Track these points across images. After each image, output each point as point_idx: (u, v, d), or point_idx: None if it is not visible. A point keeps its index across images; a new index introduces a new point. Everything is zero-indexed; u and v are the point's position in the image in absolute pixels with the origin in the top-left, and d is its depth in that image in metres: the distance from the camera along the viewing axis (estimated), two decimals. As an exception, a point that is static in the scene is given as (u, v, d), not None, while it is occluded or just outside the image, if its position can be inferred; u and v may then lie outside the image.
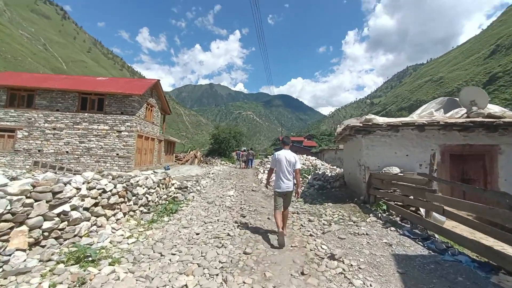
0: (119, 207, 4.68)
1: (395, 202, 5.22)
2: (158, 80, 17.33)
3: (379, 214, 5.19)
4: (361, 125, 6.30)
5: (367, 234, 4.23)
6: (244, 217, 5.40)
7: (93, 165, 13.98)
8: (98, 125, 14.23)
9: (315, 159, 18.85)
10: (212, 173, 15.17)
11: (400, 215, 4.93)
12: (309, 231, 4.49)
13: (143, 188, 5.48)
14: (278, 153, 4.18)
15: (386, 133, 6.50)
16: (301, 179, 10.17)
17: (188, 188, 7.66)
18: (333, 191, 8.28)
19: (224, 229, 4.44)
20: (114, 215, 4.54)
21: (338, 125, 8.21)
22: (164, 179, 6.60)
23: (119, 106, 14.36)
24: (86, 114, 14.18)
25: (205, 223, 4.84)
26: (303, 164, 13.26)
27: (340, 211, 5.89)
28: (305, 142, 61.38)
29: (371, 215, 5.28)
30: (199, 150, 30.89)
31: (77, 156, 14.10)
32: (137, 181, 5.32)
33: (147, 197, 5.62)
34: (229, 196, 7.70)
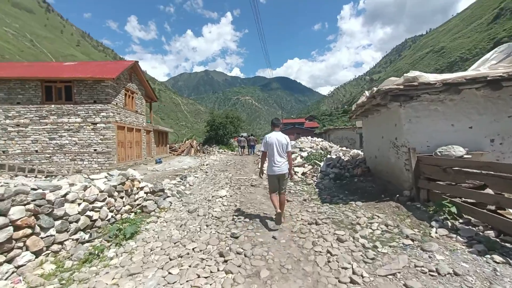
0: (21, 245, 2.78)
1: (476, 204, 3.28)
2: (136, 62, 15.02)
3: (448, 223, 3.28)
4: (401, 87, 4.24)
5: (455, 273, 2.32)
6: (236, 237, 3.52)
7: (68, 165, 12.11)
8: (69, 118, 12.19)
9: (322, 141, 16.88)
10: (207, 164, 13.29)
11: (490, 225, 3.01)
12: (346, 268, 2.59)
13: (78, 205, 3.57)
14: (268, 135, 4.07)
15: (437, 97, 4.45)
16: (311, 166, 8.28)
17: (165, 192, 5.74)
18: (356, 181, 6.35)
19: (199, 276, 2.55)
20: (9, 261, 2.64)
21: (363, 95, 6.15)
22: (123, 183, 4.66)
23: (90, 93, 12.23)
24: (52, 105, 12.09)
25: (170, 259, 2.93)
26: (310, 147, 11.30)
27: (378, 216, 3.99)
28: (307, 123, 59.12)
29: (433, 223, 3.37)
30: (195, 139, 28.93)
31: (48, 155, 12.19)
32: (64, 195, 3.38)
33: (89, 216, 3.72)
34: (221, 198, 5.81)
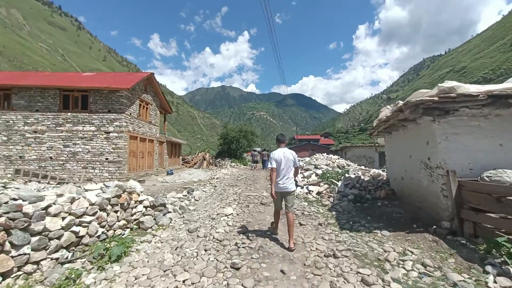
0: (-17, 266, 2.37)
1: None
2: (152, 73, 15.26)
3: (510, 269, 2.55)
4: (435, 99, 3.64)
5: None
6: (237, 268, 2.94)
7: (80, 172, 12.09)
8: (84, 126, 12.32)
9: (338, 158, 16.06)
10: (217, 178, 12.84)
11: None
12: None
13: (62, 219, 3.16)
14: (274, 152, 3.98)
15: (480, 112, 3.80)
16: (327, 186, 7.59)
17: (166, 207, 5.29)
18: (380, 205, 5.60)
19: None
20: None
21: (386, 108, 5.56)
22: (119, 196, 4.26)
23: (105, 103, 12.38)
24: (69, 114, 12.31)
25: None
26: (326, 165, 10.60)
27: (411, 252, 3.28)
28: (322, 140, 57.99)
29: (488, 267, 2.63)
30: (209, 151, 28.82)
31: (62, 162, 12.26)
32: (45, 208, 2.99)
33: (75, 232, 3.29)
34: (226, 216, 5.26)
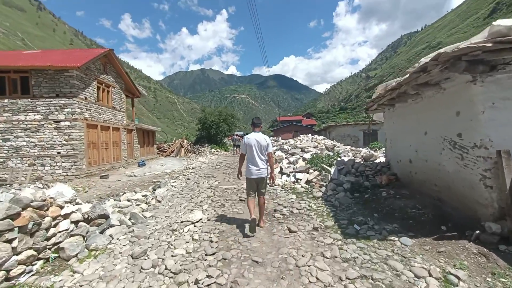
0: None
1: None
2: (111, 50, 13.00)
3: None
4: (488, 45, 2.41)
5: None
6: None
7: (25, 170, 10.16)
8: (26, 115, 10.22)
9: (324, 139, 15.12)
10: (192, 168, 11.42)
11: None
12: None
13: None
14: (247, 136, 3.81)
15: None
16: (317, 172, 6.48)
17: (109, 218, 3.87)
18: (385, 196, 4.52)
19: None
20: None
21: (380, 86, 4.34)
22: (16, 216, 2.78)
23: (51, 86, 10.26)
24: (6, 100, 10.10)
25: None
26: (313, 147, 9.49)
27: (457, 277, 2.19)
28: (304, 121, 57.39)
29: None
30: (187, 138, 27.01)
31: (2, 160, 10.22)
32: None
33: None
34: (193, 224, 3.96)
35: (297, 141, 13.26)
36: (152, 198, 5.48)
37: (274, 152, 9.80)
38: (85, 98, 11.19)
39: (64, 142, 10.40)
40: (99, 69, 12.52)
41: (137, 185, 9.03)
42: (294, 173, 6.90)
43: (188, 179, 8.48)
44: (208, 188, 6.60)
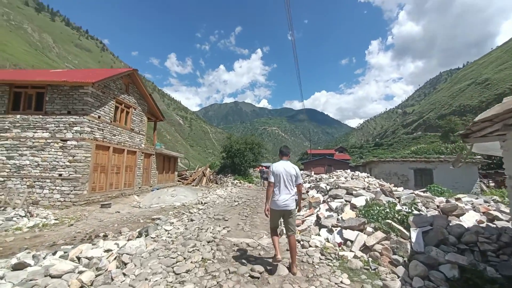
0: None
1: None
2: (135, 70, 12.46)
3: None
4: None
5: None
6: None
7: (23, 192, 9.06)
8: (35, 132, 9.46)
9: (368, 176, 12.32)
10: (204, 203, 9.44)
11: None
12: None
13: None
14: (275, 164, 3.58)
15: None
16: (383, 234, 4.05)
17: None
18: None
19: None
20: None
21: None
22: None
23: (64, 102, 9.54)
24: (18, 116, 9.52)
25: None
26: (364, 188, 6.96)
27: None
28: (337, 155, 53.56)
29: None
30: (211, 166, 25.61)
31: (2, 179, 9.33)
32: None
33: None
34: None
35: (336, 178, 10.72)
36: (115, 258, 3.46)
37: (307, 191, 7.50)
38: (99, 117, 10.29)
39: (68, 163, 9.27)
40: (120, 88, 11.86)
41: (132, 222, 7.22)
42: (340, 228, 4.50)
43: (192, 220, 6.42)
44: (209, 242, 4.43)
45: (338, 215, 5.16)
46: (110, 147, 11.06)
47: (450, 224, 3.91)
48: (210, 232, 5.07)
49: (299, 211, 3.63)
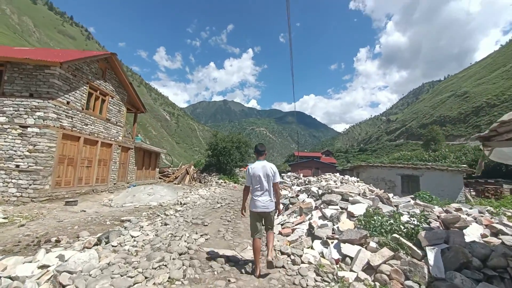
0: None
1: None
2: (113, 54, 11.34)
3: None
4: None
5: None
6: None
7: (-29, 185, 7.82)
8: (-11, 116, 8.23)
9: (357, 181, 11.90)
10: (184, 204, 8.58)
11: None
12: None
13: None
14: (252, 165, 3.45)
15: None
16: (390, 252, 3.41)
17: None
18: None
19: None
20: None
21: None
22: None
23: (27, 83, 8.35)
24: (-30, 97, 8.25)
25: None
26: (359, 194, 6.40)
27: None
28: (323, 158, 53.71)
29: None
30: (195, 164, 24.55)
31: None
32: None
33: None
34: None
35: (325, 182, 10.18)
36: (49, 279, 2.60)
37: (297, 195, 6.85)
38: (68, 102, 9.15)
39: (27, 153, 8.10)
40: (95, 73, 10.71)
41: (97, 224, 6.26)
42: (337, 241, 3.84)
43: (165, 224, 5.57)
44: (181, 255, 3.63)
45: (334, 225, 4.51)
46: (81, 137, 9.92)
47: (467, 241, 3.34)
48: (185, 241, 4.27)
49: (278, 213, 3.60)
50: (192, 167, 21.94)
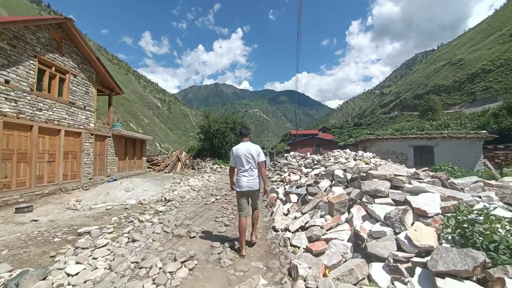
0: None
1: None
2: (68, 19, 8.94)
3: None
4: None
5: None
6: None
7: None
8: None
9: (374, 156, 10.24)
10: (168, 201, 6.80)
11: None
12: None
13: None
14: (236, 147, 3.61)
15: None
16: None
17: None
18: None
19: None
20: None
21: None
22: None
23: None
24: None
25: None
26: (408, 176, 4.70)
27: None
28: (321, 135, 52.16)
29: None
30: (189, 150, 22.65)
31: None
32: None
33: None
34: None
35: (334, 159, 8.49)
36: None
37: (315, 181, 5.11)
38: (7, 81, 6.98)
39: (-46, 150, 6.09)
40: (45, 44, 8.40)
41: (41, 243, 4.45)
42: (421, 271, 2.10)
43: (133, 241, 3.79)
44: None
45: (396, 231, 2.77)
46: (34, 126, 7.85)
47: None
48: (153, 280, 2.51)
49: (265, 193, 3.64)
50: (184, 153, 20.07)
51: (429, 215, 2.83)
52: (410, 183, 3.73)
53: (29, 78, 7.78)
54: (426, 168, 8.65)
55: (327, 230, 3.36)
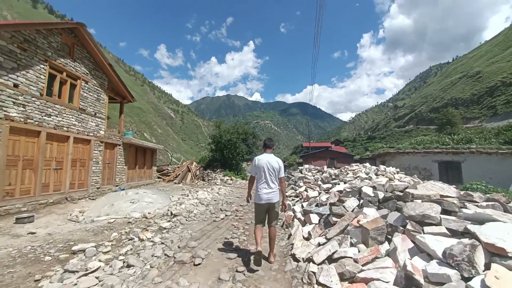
0: None
1: None
2: (80, 24, 8.93)
3: None
4: None
5: None
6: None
7: None
8: None
9: (397, 172, 9.42)
10: (174, 216, 6.25)
11: None
12: None
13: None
14: (258, 157, 3.52)
15: None
16: None
17: None
18: None
19: None
20: None
21: None
22: None
23: (-49, 59, 6.11)
24: None
25: None
26: (458, 197, 3.97)
27: None
28: (334, 147, 50.86)
29: None
30: (195, 161, 22.28)
31: None
32: None
33: None
34: None
35: (353, 174, 7.76)
36: None
37: (340, 200, 4.45)
38: (15, 85, 6.84)
39: (-43, 155, 5.86)
40: (57, 49, 8.34)
41: (30, 262, 3.97)
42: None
43: (128, 266, 3.23)
44: None
45: (462, 273, 2.07)
46: (42, 132, 7.65)
47: None
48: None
49: (284, 209, 3.61)
50: (194, 163, 19.68)
51: (509, 254, 2.12)
52: (465, 207, 3.01)
53: (39, 82, 7.65)
54: (454, 186, 7.74)
55: (363, 265, 2.68)
